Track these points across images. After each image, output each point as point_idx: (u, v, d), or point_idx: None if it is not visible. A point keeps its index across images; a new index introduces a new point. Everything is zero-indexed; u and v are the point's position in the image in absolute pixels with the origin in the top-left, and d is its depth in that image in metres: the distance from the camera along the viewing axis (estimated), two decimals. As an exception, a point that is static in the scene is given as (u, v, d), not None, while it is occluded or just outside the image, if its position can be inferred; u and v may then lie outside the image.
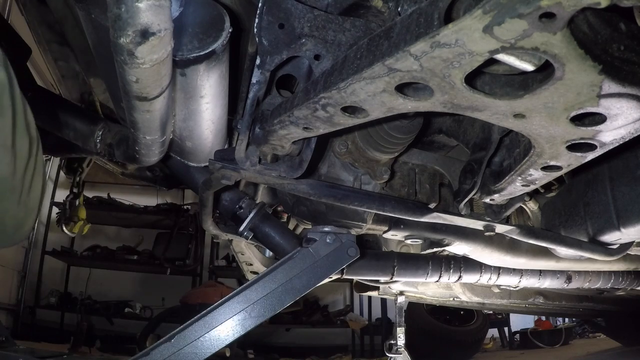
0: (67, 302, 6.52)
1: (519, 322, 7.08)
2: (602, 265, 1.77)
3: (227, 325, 1.25)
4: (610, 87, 0.59)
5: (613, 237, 1.33)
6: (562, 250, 1.48)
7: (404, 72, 0.65)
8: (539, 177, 0.95)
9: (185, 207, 7.01)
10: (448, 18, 0.58)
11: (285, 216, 2.11)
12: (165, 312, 5.77)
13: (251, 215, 1.51)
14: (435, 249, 1.69)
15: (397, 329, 2.80)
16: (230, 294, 1.28)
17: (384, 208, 1.29)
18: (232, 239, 2.19)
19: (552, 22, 0.49)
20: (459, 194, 1.27)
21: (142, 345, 4.53)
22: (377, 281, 2.40)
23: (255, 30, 1.02)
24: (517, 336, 6.96)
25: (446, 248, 1.66)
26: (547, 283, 2.11)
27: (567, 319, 7.06)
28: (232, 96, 1.27)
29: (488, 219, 1.31)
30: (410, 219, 1.35)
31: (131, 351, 4.70)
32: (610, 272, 2.13)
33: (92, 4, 0.98)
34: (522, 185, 1.03)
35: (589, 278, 2.13)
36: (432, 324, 5.08)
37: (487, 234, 1.33)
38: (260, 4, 1.02)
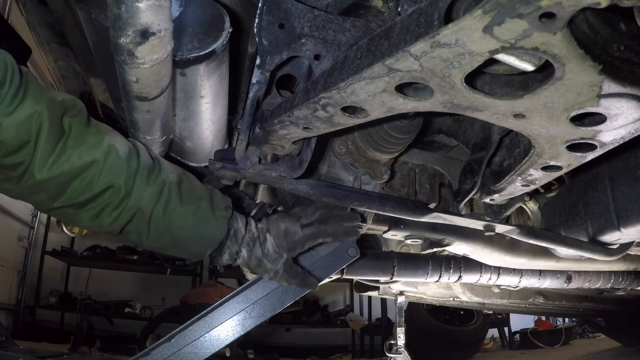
0: (67, 302, 6.52)
1: (519, 322, 7.08)
2: (602, 265, 1.77)
3: (227, 325, 1.25)
4: (610, 87, 0.59)
5: (613, 237, 1.33)
6: (562, 250, 1.48)
7: (404, 72, 0.65)
8: (539, 177, 0.95)
9: (185, 207, 6.99)
10: (448, 18, 0.58)
11: (285, 216, 2.10)
12: (165, 312, 5.77)
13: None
14: (435, 249, 1.69)
15: (397, 329, 2.80)
16: (230, 294, 1.28)
17: (384, 208, 1.29)
18: (232, 239, 2.19)
19: (552, 22, 0.49)
20: (459, 194, 1.27)
21: (142, 345, 4.53)
22: (377, 281, 2.40)
23: (255, 30, 1.02)
24: (517, 336, 6.97)
25: (446, 248, 1.66)
26: (547, 283, 2.11)
27: (567, 319, 7.06)
28: (232, 96, 1.27)
29: (488, 219, 1.31)
30: (410, 219, 1.35)
31: (131, 351, 4.71)
32: (610, 272, 2.13)
33: (92, 4, 0.99)
34: (522, 185, 1.03)
35: (589, 278, 2.13)
36: (432, 324, 5.08)
37: (487, 234, 1.33)
38: (260, 4, 1.02)
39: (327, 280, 1.44)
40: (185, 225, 1.05)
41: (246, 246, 1.13)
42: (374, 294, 2.79)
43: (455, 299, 2.83)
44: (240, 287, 1.30)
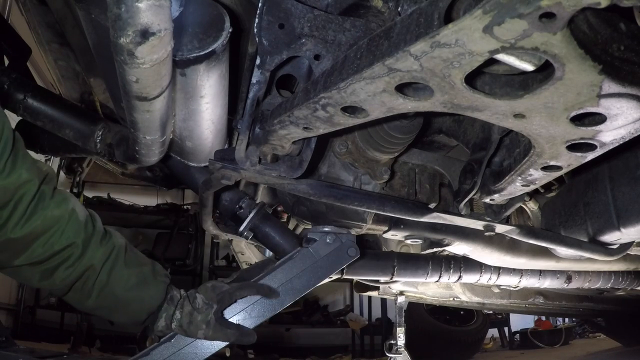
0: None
1: (519, 322, 7.07)
2: (602, 265, 1.77)
3: (227, 325, 1.25)
4: (610, 87, 0.59)
5: (613, 237, 1.33)
6: (562, 250, 1.48)
7: (404, 72, 0.65)
8: (539, 177, 0.95)
9: (185, 207, 7.01)
10: (448, 18, 0.58)
11: (285, 216, 2.11)
12: (165, 312, 5.76)
13: (251, 215, 1.51)
14: (435, 249, 1.69)
15: (397, 329, 2.80)
16: (230, 294, 1.28)
17: (384, 208, 1.29)
18: (232, 239, 2.19)
19: (552, 22, 0.49)
20: (459, 194, 1.27)
21: (142, 345, 4.52)
22: (377, 281, 2.40)
23: (255, 30, 1.02)
24: (517, 336, 6.96)
25: (446, 248, 1.66)
26: (547, 283, 2.11)
27: (567, 319, 7.06)
28: (232, 96, 1.27)
29: (488, 219, 1.31)
30: (410, 219, 1.35)
31: (131, 351, 4.70)
32: (610, 272, 2.13)
33: (92, 4, 0.98)
34: (522, 185, 1.03)
35: (589, 278, 2.13)
36: (432, 324, 5.08)
37: (487, 234, 1.33)
38: (260, 4, 1.02)
39: (327, 280, 1.45)
40: (128, 286, 1.15)
41: (180, 307, 1.22)
42: (374, 294, 2.79)
43: (455, 299, 2.83)
44: (240, 287, 1.30)
